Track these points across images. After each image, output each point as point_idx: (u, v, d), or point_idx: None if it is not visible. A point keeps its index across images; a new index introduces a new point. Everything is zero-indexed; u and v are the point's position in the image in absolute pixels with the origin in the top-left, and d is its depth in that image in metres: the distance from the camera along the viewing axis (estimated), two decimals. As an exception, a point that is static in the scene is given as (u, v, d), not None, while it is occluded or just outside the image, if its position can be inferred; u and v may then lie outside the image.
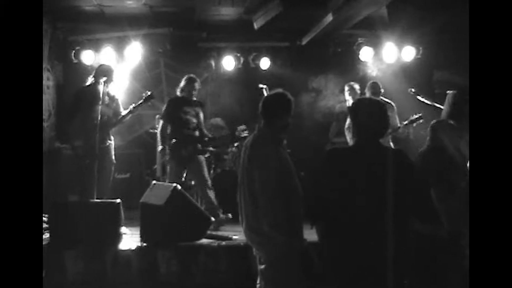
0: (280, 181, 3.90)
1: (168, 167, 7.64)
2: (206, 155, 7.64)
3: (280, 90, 4.26)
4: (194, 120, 7.41)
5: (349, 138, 7.90)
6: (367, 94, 7.83)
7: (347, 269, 3.36)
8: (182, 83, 7.44)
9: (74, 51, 8.90)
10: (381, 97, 7.64)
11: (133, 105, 7.22)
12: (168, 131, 7.43)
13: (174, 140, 7.26)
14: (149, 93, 7.26)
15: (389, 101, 7.75)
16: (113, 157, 7.17)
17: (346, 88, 8.07)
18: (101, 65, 7.30)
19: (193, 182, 7.79)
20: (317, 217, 3.53)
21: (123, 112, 7.23)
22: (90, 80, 7.05)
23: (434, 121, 5.23)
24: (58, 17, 8.53)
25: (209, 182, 7.43)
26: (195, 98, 7.46)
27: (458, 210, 4.65)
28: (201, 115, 7.49)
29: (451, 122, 5.22)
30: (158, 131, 7.58)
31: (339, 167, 3.47)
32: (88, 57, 8.83)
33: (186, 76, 7.50)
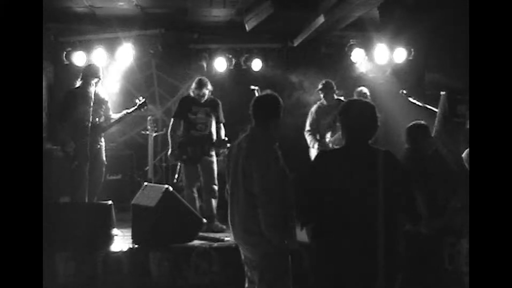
0: (278, 182, 3.91)
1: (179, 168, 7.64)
2: (214, 158, 7.45)
3: (269, 91, 4.28)
4: (204, 121, 7.34)
5: (309, 140, 7.89)
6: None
7: (337, 270, 3.37)
8: (193, 85, 7.36)
9: (65, 52, 8.86)
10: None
11: (126, 110, 7.23)
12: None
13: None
14: (142, 99, 7.26)
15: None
16: (104, 159, 7.16)
17: (320, 85, 7.97)
18: (89, 65, 7.29)
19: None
20: (308, 218, 3.54)
21: (113, 115, 7.23)
22: (79, 81, 7.04)
23: (409, 124, 5.27)
24: (49, 18, 8.50)
25: (215, 188, 7.33)
26: (206, 98, 7.34)
27: (439, 210, 4.69)
28: (214, 116, 7.40)
29: (425, 124, 5.26)
30: (168, 130, 7.48)
31: (329, 169, 3.48)
32: (79, 58, 8.79)
33: (197, 78, 7.40)
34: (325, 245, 3.43)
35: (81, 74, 7.10)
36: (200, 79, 7.35)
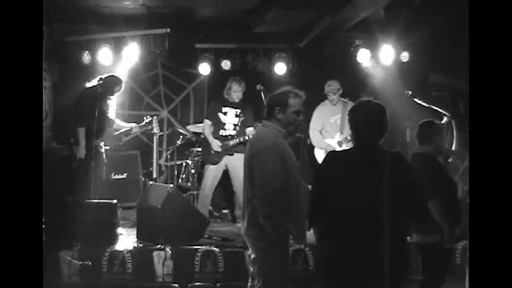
0: (277, 175, 3.93)
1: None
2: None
3: (286, 87, 4.32)
4: (233, 122, 7.59)
5: (314, 140, 7.90)
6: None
7: (344, 271, 3.35)
8: (228, 84, 7.66)
9: (71, 52, 8.88)
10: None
11: (134, 125, 7.57)
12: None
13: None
14: (150, 118, 7.56)
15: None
16: (104, 157, 7.34)
17: (326, 86, 8.00)
18: (111, 76, 7.42)
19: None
20: (316, 219, 3.53)
21: (118, 122, 7.54)
22: (93, 82, 7.19)
23: (421, 121, 5.18)
24: (55, 17, 8.52)
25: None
26: (238, 100, 7.61)
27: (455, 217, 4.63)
28: (243, 116, 7.62)
29: (439, 123, 5.17)
30: (203, 130, 7.80)
31: (338, 170, 3.46)
32: (85, 57, 8.81)
33: (231, 78, 7.74)
34: (332, 246, 3.41)
35: (101, 79, 7.21)
36: (233, 79, 7.65)
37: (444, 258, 4.67)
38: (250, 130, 7.56)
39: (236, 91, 7.55)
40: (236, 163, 7.39)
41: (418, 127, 5.05)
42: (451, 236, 4.49)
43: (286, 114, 4.13)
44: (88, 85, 7.33)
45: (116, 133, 7.54)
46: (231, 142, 7.49)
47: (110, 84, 7.25)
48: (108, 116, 7.31)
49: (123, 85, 7.45)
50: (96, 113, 6.95)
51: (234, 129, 7.58)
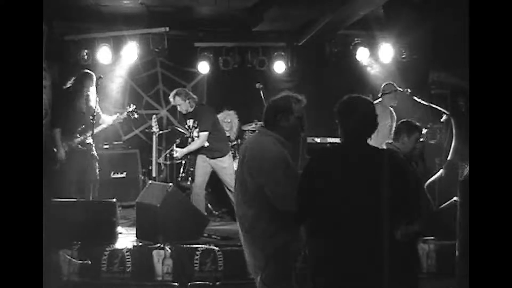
0: (282, 181, 3.86)
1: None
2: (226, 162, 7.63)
3: (284, 92, 4.11)
4: (192, 131, 7.57)
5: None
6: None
7: (333, 269, 3.32)
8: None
9: (70, 50, 8.88)
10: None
11: (117, 115, 7.52)
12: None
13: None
14: (133, 106, 7.56)
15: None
16: (96, 154, 7.32)
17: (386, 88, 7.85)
18: (85, 73, 7.40)
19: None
20: (303, 215, 3.50)
21: (103, 116, 7.48)
22: (73, 81, 7.21)
23: (401, 120, 5.28)
24: (54, 16, 8.51)
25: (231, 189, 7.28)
26: (186, 111, 7.50)
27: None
28: (197, 126, 7.53)
29: (418, 125, 5.23)
30: None
31: (326, 167, 3.42)
32: (84, 56, 8.80)
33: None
34: (321, 243, 3.38)
35: (75, 77, 7.23)
36: (172, 93, 7.52)
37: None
38: (203, 135, 7.43)
39: (177, 105, 7.52)
40: (220, 166, 7.50)
41: (397, 124, 5.18)
42: (406, 230, 4.52)
43: (290, 121, 3.92)
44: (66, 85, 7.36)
45: (100, 127, 7.42)
46: (179, 153, 7.59)
47: (82, 80, 7.21)
48: (85, 113, 7.22)
49: (94, 80, 7.26)
50: (73, 112, 6.99)
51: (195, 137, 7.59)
